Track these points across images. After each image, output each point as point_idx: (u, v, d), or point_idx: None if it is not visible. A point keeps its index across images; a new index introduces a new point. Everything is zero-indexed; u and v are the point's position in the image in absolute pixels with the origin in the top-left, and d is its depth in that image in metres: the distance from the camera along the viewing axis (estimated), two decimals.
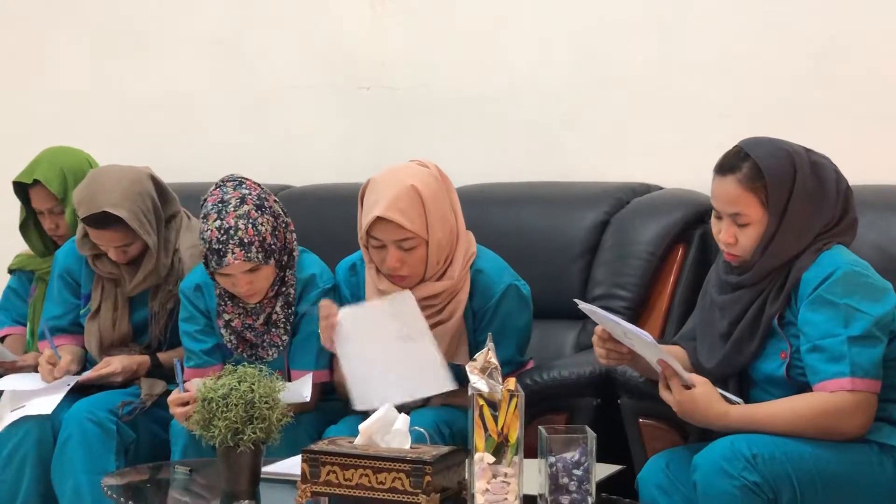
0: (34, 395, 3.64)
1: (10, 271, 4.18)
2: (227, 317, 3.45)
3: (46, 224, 4.01)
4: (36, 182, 3.94)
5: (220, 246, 3.27)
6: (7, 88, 5.32)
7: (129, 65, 5.07)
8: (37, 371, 3.73)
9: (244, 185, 3.37)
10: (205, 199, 3.37)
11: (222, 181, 3.39)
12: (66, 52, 5.20)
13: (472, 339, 3.33)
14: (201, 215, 3.36)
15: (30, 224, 4.06)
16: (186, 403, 3.20)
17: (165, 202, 3.76)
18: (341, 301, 3.42)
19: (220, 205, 3.31)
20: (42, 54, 5.24)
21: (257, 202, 3.33)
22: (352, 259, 3.49)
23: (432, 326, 3.30)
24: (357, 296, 3.42)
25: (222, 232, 3.28)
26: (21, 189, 4.00)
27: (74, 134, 4.96)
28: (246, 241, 3.28)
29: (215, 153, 4.84)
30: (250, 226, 3.29)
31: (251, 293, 3.38)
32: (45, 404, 3.59)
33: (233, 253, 3.27)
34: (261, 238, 3.30)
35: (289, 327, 3.45)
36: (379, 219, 3.19)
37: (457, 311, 3.31)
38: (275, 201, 3.42)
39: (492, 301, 3.31)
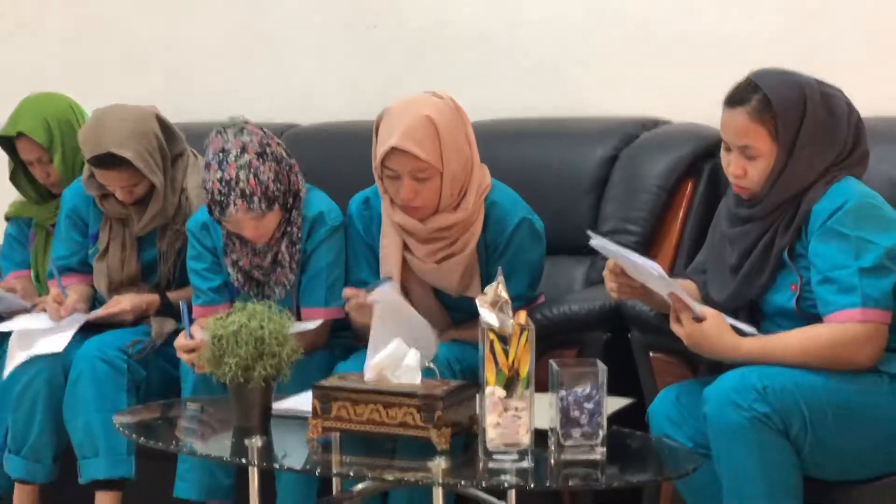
0: (44, 335, 3.64)
1: (7, 219, 4.17)
2: (234, 256, 3.45)
3: (37, 174, 3.99)
4: (20, 134, 3.92)
5: (222, 198, 3.27)
6: (4, 29, 5.29)
7: (133, 4, 5.04)
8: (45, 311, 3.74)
9: (245, 132, 3.34)
10: (206, 146, 3.35)
11: (223, 127, 3.36)
12: None
13: (483, 272, 3.33)
14: (203, 164, 3.34)
15: (20, 174, 4.04)
16: (193, 350, 3.21)
17: (171, 141, 3.75)
18: (354, 234, 3.44)
19: (220, 154, 3.29)
20: None
21: (258, 150, 3.31)
22: (365, 193, 3.47)
23: (444, 258, 3.30)
24: (370, 230, 3.42)
25: (224, 184, 3.27)
26: (6, 141, 3.98)
27: (78, 75, 4.96)
28: (248, 192, 3.27)
29: (222, 92, 4.82)
30: (251, 176, 3.27)
31: (258, 236, 3.38)
32: (56, 342, 3.60)
33: (234, 205, 3.27)
34: (263, 187, 3.29)
35: (294, 266, 3.44)
36: (393, 149, 3.18)
37: (469, 243, 3.30)
38: (277, 144, 3.39)
39: (505, 234, 3.30)
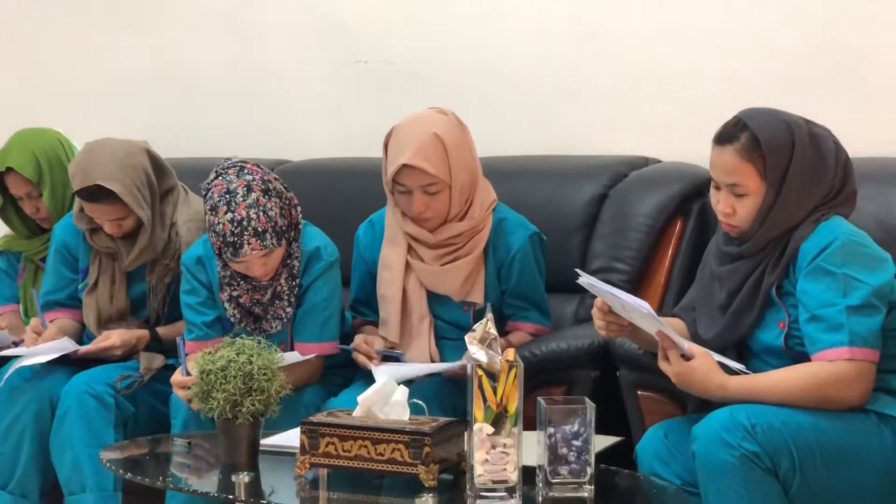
0: (33, 353, 3.63)
1: None
2: (235, 293, 3.44)
3: (27, 209, 4.00)
4: (9, 169, 3.93)
5: (236, 238, 3.27)
6: None
7: (125, 39, 5.05)
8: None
9: (245, 171, 3.35)
10: (208, 189, 3.35)
11: (223, 168, 3.37)
12: (59, 25, 5.17)
13: (496, 288, 3.47)
14: (208, 207, 3.33)
15: (9, 209, 4.04)
16: (190, 387, 3.21)
17: (161, 176, 3.74)
18: (358, 256, 3.60)
19: (227, 195, 3.30)
20: (35, 27, 5.22)
21: (263, 187, 3.33)
22: (370, 218, 3.62)
23: (451, 261, 3.43)
24: (374, 248, 3.53)
25: (235, 224, 3.27)
26: None
27: (68, 108, 4.97)
28: (260, 229, 3.28)
29: (213, 128, 4.83)
30: (261, 213, 3.29)
31: (266, 273, 3.39)
32: (41, 358, 3.59)
33: (249, 244, 3.28)
34: (273, 223, 3.31)
35: (293, 299, 3.45)
36: (405, 166, 3.31)
37: (476, 247, 3.43)
38: (276, 179, 3.41)
39: (517, 245, 3.45)
